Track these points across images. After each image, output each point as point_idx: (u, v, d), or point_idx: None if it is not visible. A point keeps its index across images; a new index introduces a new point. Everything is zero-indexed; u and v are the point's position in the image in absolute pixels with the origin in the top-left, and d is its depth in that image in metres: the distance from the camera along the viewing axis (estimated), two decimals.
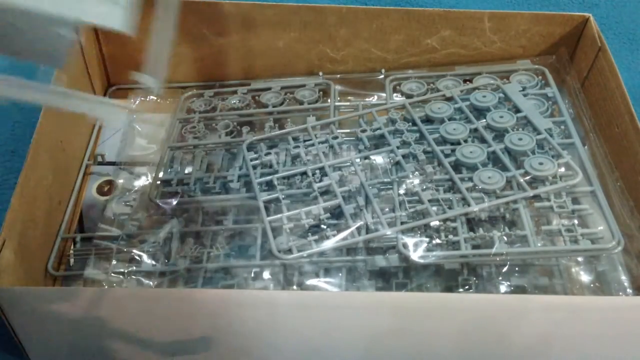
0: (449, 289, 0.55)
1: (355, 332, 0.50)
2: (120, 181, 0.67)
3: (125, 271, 0.57)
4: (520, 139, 0.59)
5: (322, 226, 0.56)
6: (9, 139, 0.75)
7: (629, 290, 0.54)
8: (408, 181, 0.58)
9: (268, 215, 0.57)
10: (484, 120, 0.62)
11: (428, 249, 0.54)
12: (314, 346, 0.52)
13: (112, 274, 0.57)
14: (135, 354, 0.53)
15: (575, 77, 0.71)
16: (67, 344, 0.52)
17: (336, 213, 0.57)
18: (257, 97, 0.72)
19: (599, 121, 0.66)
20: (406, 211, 0.56)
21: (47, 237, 0.60)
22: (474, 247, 0.54)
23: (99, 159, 0.69)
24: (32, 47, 0.37)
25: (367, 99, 0.72)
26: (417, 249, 0.54)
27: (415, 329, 0.50)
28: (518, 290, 0.54)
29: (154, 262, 0.58)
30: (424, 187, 0.58)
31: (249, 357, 0.53)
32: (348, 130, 0.66)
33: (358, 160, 0.61)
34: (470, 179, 0.57)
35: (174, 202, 0.61)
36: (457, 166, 0.59)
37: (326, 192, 0.59)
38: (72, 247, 0.62)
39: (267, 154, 0.63)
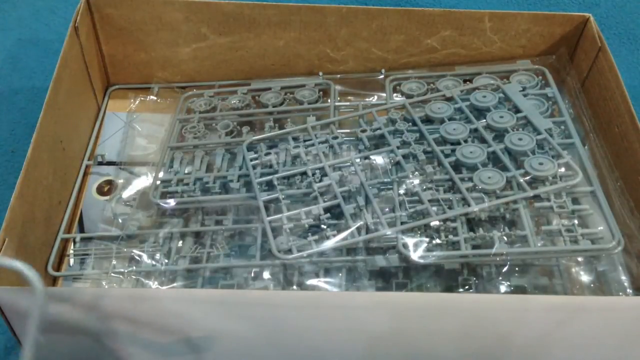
0: (449, 289, 0.55)
1: (355, 332, 0.50)
2: (120, 181, 0.67)
3: (125, 271, 0.57)
4: (520, 139, 0.59)
5: (322, 226, 0.56)
6: (9, 139, 0.75)
7: (629, 290, 0.54)
8: (408, 181, 0.58)
9: (268, 215, 0.57)
10: (484, 120, 0.62)
11: (428, 249, 0.54)
12: (314, 346, 0.52)
13: (112, 274, 0.57)
14: (136, 354, 0.53)
15: (575, 77, 0.71)
16: (67, 344, 0.52)
17: (336, 213, 0.57)
18: (257, 97, 0.72)
19: (599, 121, 0.66)
20: (406, 211, 0.56)
21: (47, 237, 0.60)
22: (474, 247, 0.54)
23: (99, 159, 0.69)
24: None
25: (367, 99, 0.72)
26: (417, 249, 0.54)
27: (415, 329, 0.50)
28: (518, 290, 0.54)
29: (154, 262, 0.58)
30: (424, 187, 0.58)
31: (249, 357, 0.53)
32: (348, 130, 0.66)
33: (358, 160, 0.61)
34: (470, 179, 0.57)
35: (174, 202, 0.61)
36: (457, 166, 0.59)
37: (326, 192, 0.59)
38: (72, 247, 0.62)
39: (267, 154, 0.63)
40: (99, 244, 0.60)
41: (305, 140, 0.64)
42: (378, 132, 0.64)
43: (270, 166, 0.62)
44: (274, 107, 0.70)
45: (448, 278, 0.55)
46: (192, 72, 0.76)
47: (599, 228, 0.55)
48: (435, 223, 0.55)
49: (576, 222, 0.55)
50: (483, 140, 0.61)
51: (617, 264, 0.55)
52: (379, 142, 0.64)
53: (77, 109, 0.68)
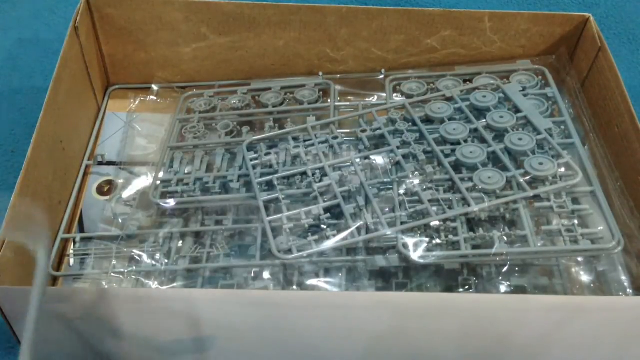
0: (449, 289, 0.55)
1: (355, 332, 0.50)
2: (120, 181, 0.67)
3: (125, 271, 0.57)
4: (520, 139, 0.59)
5: (322, 226, 0.56)
6: (9, 139, 0.75)
7: (629, 290, 0.54)
8: (408, 181, 0.58)
9: (268, 215, 0.57)
10: (484, 120, 0.62)
11: (428, 249, 0.54)
12: (314, 346, 0.52)
13: (112, 274, 0.57)
14: (136, 353, 0.53)
15: (575, 77, 0.71)
16: (67, 344, 0.52)
17: (336, 213, 0.57)
18: (257, 97, 0.72)
19: (599, 121, 0.66)
20: (406, 211, 0.56)
21: None
22: (474, 247, 0.54)
23: (99, 159, 0.69)
24: None
25: (367, 99, 0.72)
26: (417, 249, 0.54)
27: (415, 329, 0.50)
28: (518, 290, 0.54)
29: (154, 262, 0.58)
30: (424, 187, 0.58)
31: (249, 356, 0.53)
32: (348, 130, 0.65)
33: (358, 160, 0.61)
34: (470, 179, 0.57)
35: (174, 202, 0.61)
36: (457, 166, 0.59)
37: (326, 192, 0.59)
38: (72, 247, 0.62)
39: (267, 154, 0.63)
40: (99, 244, 0.60)
41: (305, 140, 0.64)
42: (378, 132, 0.64)
43: (270, 166, 0.62)
44: (274, 107, 0.70)
45: (448, 278, 0.55)
46: (192, 72, 0.76)
47: (599, 228, 0.55)
48: (435, 223, 0.55)
49: (576, 222, 0.55)
50: (483, 140, 0.61)
51: (617, 264, 0.55)
52: (379, 142, 0.64)
53: (77, 109, 0.68)
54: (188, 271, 0.58)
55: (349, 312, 0.49)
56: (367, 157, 0.61)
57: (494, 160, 0.60)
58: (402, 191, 0.58)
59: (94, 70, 0.73)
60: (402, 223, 0.55)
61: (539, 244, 0.54)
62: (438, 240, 0.54)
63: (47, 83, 0.60)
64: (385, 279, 0.56)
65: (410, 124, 0.64)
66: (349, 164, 0.61)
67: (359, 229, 0.55)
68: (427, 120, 0.65)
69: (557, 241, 0.55)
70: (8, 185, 0.70)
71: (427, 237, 0.55)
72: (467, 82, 0.70)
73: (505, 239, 0.54)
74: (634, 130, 0.59)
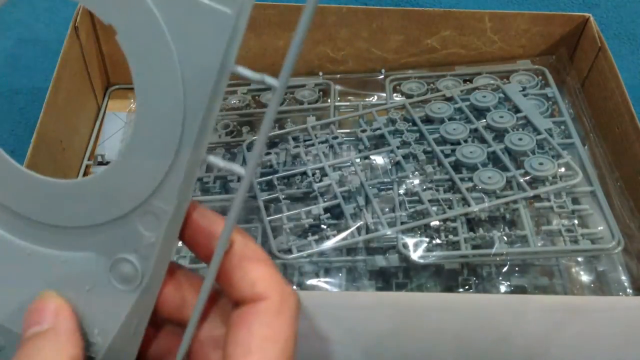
0: (449, 289, 0.55)
1: (355, 332, 0.50)
2: None
3: None
4: (520, 139, 0.59)
5: (322, 226, 0.56)
6: (9, 139, 0.75)
7: (629, 290, 0.54)
8: (408, 181, 0.58)
9: (268, 215, 0.57)
10: (484, 120, 0.62)
11: (428, 249, 0.54)
12: (313, 346, 0.52)
13: None
14: None
15: (575, 77, 0.71)
16: None
17: (336, 213, 0.57)
18: (257, 97, 0.72)
19: (599, 121, 0.66)
20: (406, 211, 0.56)
21: None
22: (474, 247, 0.54)
23: (99, 159, 0.69)
24: None
25: (367, 99, 0.72)
26: (417, 249, 0.54)
27: (415, 329, 0.50)
28: (518, 290, 0.54)
29: None
30: (424, 187, 0.58)
31: None
32: (348, 130, 0.66)
33: (358, 160, 0.61)
34: (470, 179, 0.57)
35: None
36: (457, 166, 0.59)
37: (326, 192, 0.59)
38: None
39: (267, 153, 0.63)
40: None
41: (305, 140, 0.64)
42: (378, 132, 0.64)
43: (270, 166, 0.62)
44: None
45: (448, 278, 0.55)
46: None
47: (599, 228, 0.55)
48: (435, 223, 0.55)
49: (576, 222, 0.55)
50: (483, 140, 0.61)
51: (617, 264, 0.55)
52: (379, 142, 0.64)
53: (77, 109, 0.68)
54: None
55: (349, 312, 0.49)
56: (367, 157, 0.61)
57: (494, 160, 0.60)
58: (402, 191, 0.58)
59: (94, 70, 0.73)
60: (402, 223, 0.55)
61: (539, 244, 0.54)
62: (438, 240, 0.54)
63: (47, 83, 0.60)
64: (385, 279, 0.56)
65: (410, 124, 0.64)
66: (349, 164, 0.61)
67: (359, 229, 0.55)
68: (427, 120, 0.65)
69: (557, 241, 0.55)
70: None
71: (427, 237, 0.55)
72: (467, 82, 0.70)
73: (505, 239, 0.54)
74: (634, 130, 0.59)
